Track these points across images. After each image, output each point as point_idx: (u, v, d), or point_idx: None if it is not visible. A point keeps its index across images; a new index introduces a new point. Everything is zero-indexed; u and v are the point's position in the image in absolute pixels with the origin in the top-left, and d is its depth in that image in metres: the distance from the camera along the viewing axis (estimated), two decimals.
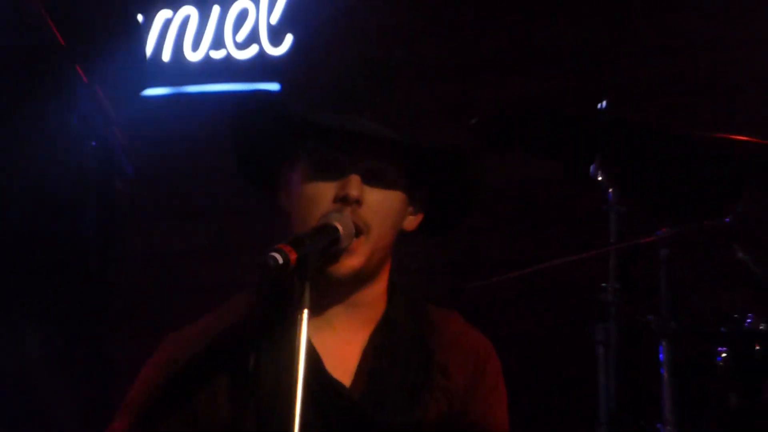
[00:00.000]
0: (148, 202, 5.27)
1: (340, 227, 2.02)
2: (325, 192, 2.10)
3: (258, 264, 1.91)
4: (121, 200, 3.35)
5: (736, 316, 2.97)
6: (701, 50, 4.40)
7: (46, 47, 3.45)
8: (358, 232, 2.04)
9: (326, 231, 2.01)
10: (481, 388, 2.30)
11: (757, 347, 2.80)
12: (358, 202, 2.06)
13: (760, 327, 2.89)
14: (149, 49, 5.47)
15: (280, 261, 1.81)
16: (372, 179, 2.11)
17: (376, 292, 2.24)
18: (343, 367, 2.20)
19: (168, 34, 5.51)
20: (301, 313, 1.88)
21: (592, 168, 2.94)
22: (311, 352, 2.07)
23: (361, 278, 2.16)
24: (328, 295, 2.13)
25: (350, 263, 2.09)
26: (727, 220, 2.92)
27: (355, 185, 2.06)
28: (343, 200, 2.05)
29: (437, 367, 2.27)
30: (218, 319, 2.26)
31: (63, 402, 4.17)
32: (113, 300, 3.69)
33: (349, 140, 2.09)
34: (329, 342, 2.17)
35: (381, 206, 2.14)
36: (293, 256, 1.84)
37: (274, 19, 5.53)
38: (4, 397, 4.03)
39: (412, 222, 2.21)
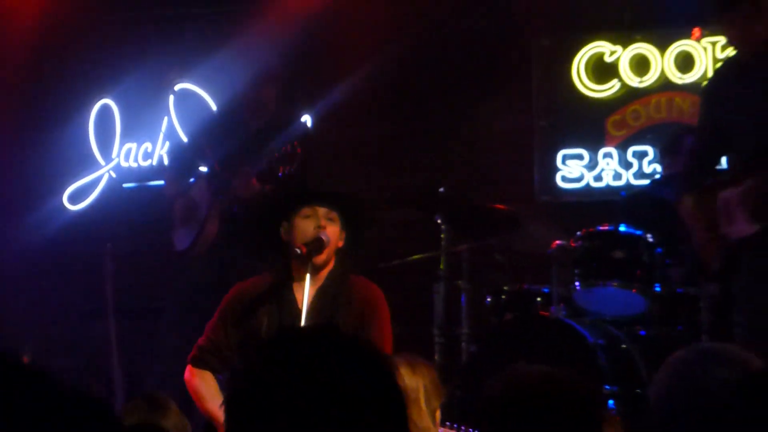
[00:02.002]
0: None
1: (324, 240, 4.23)
2: (309, 226, 4.28)
3: (316, 241, 4.19)
4: None
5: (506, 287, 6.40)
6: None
7: None
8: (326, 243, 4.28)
9: (320, 241, 4.23)
10: (374, 314, 4.50)
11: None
12: (324, 227, 4.26)
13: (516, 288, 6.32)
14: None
15: (324, 240, 4.17)
16: (328, 220, 4.29)
17: (326, 270, 4.43)
18: (304, 300, 4.43)
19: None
20: (305, 273, 4.21)
21: (437, 216, 6.35)
22: (290, 292, 4.43)
23: (322, 264, 4.35)
24: (307, 269, 4.30)
25: (322, 257, 4.27)
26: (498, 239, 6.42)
27: (324, 222, 4.25)
28: (319, 228, 4.24)
29: (347, 301, 4.48)
30: (258, 281, 4.52)
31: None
32: None
33: (319, 203, 4.35)
34: (301, 291, 4.38)
35: (333, 233, 4.29)
36: (305, 249, 4.17)
37: None
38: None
39: (341, 241, 4.41)
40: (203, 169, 7.18)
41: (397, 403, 1.67)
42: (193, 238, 6.80)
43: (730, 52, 6.78)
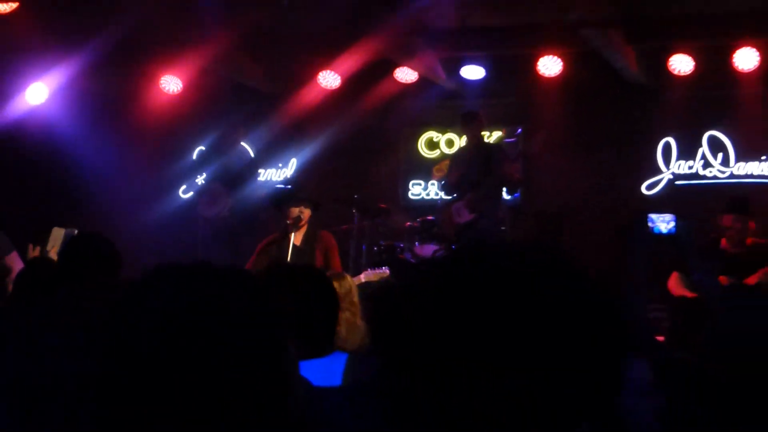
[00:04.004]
0: None
1: (301, 218, 8.63)
2: (295, 211, 8.59)
3: (296, 219, 8.49)
4: None
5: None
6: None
7: None
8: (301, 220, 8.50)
9: (299, 219, 8.60)
10: (331, 248, 8.80)
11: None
12: (302, 212, 8.67)
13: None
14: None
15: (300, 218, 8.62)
16: (304, 208, 8.63)
17: (303, 228, 8.66)
18: (294, 243, 8.64)
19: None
20: (293, 231, 8.62)
21: (353, 209, 11.40)
22: (288, 240, 8.62)
23: (301, 226, 8.61)
24: (293, 229, 8.58)
25: (301, 224, 8.63)
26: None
27: (302, 209, 8.58)
28: (300, 212, 8.61)
29: (317, 241, 8.71)
30: (274, 235, 8.78)
31: None
32: None
33: (299, 203, 8.65)
34: (290, 240, 8.58)
35: (306, 213, 8.63)
36: (291, 222, 8.58)
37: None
38: None
39: (310, 216, 8.64)
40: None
41: None
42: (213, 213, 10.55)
43: (464, 141, 11.07)
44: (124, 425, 1.61)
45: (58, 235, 7.51)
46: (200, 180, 11.04)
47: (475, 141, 10.44)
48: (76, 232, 7.05)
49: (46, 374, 3.53)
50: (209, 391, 1.59)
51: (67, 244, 5.28)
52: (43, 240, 7.41)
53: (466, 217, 10.20)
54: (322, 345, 3.45)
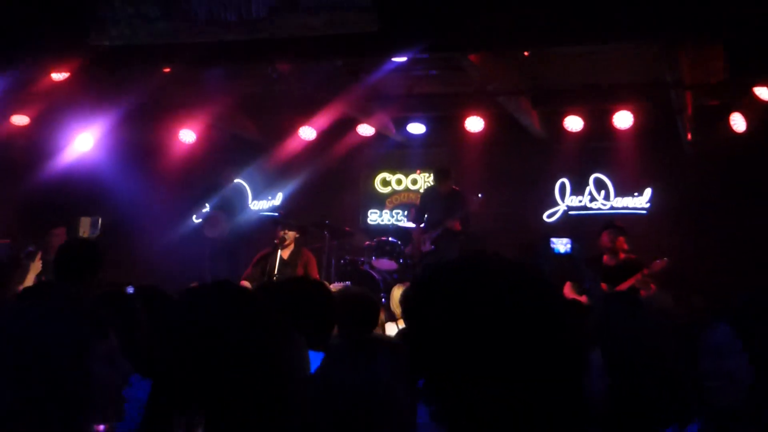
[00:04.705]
0: None
1: (285, 239, 9.17)
2: (280, 234, 9.02)
3: (281, 239, 9.16)
4: None
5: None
6: None
7: None
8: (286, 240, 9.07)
9: (283, 239, 9.07)
10: (311, 264, 9.15)
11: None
12: (287, 234, 9.25)
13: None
14: None
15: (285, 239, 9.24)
16: (290, 231, 9.10)
17: (290, 247, 9.07)
18: (282, 257, 9.15)
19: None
20: (279, 249, 9.16)
21: (325, 231, 11.87)
22: (276, 255, 9.11)
23: (287, 245, 9.05)
24: (279, 247, 9.05)
25: (286, 243, 9.12)
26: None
27: (287, 232, 9.05)
28: (285, 234, 9.14)
29: (299, 257, 9.09)
30: (266, 250, 9.25)
31: None
32: None
33: (286, 228, 9.14)
34: (278, 255, 9.06)
35: (291, 235, 9.10)
36: (278, 241, 9.14)
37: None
38: None
39: (296, 236, 9.14)
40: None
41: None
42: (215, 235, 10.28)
43: (432, 182, 10.79)
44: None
45: (85, 222, 7.69)
46: (206, 209, 11.05)
47: (447, 191, 10.25)
48: (100, 220, 7.26)
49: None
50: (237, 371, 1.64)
51: (60, 248, 5.09)
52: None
53: (428, 247, 10.21)
54: (321, 337, 3.11)
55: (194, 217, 12.02)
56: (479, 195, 10.10)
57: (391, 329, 6.73)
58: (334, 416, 2.11)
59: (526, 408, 1.34)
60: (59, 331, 1.67)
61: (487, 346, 1.35)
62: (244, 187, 12.15)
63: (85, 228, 7.91)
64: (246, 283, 8.49)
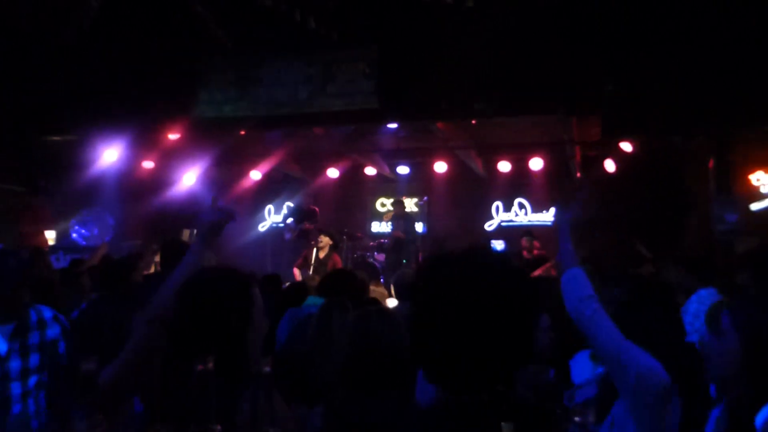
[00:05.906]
0: None
1: (322, 241, 8.74)
2: (319, 237, 9.19)
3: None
4: None
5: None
6: None
7: None
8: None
9: (320, 241, 8.32)
10: (337, 263, 7.71)
11: None
12: (321, 239, 8.69)
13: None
14: None
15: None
16: (323, 236, 8.25)
17: (325, 248, 8.22)
18: (318, 256, 8.50)
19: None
20: (315, 249, 10.07)
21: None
22: (312, 253, 8.91)
23: (322, 247, 8.54)
24: (317, 249, 8.69)
25: (324, 246, 8.42)
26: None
27: (322, 237, 8.71)
28: (320, 239, 8.70)
29: (329, 260, 7.88)
30: (311, 249, 8.71)
31: None
32: None
33: (320, 232, 8.37)
34: (313, 254, 8.37)
35: (326, 240, 8.47)
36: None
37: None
38: None
39: (328, 243, 8.19)
40: None
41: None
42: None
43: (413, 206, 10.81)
44: None
45: (185, 232, 7.76)
46: (289, 220, 10.33)
47: (403, 214, 9.81)
48: (196, 230, 6.94)
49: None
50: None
51: (101, 262, 4.78)
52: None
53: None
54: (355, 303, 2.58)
55: (259, 227, 11.82)
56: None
57: (391, 303, 6.63)
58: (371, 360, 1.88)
59: (496, 355, 1.19)
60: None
61: (481, 312, 1.17)
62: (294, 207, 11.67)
63: (186, 236, 7.77)
64: (297, 270, 8.39)
